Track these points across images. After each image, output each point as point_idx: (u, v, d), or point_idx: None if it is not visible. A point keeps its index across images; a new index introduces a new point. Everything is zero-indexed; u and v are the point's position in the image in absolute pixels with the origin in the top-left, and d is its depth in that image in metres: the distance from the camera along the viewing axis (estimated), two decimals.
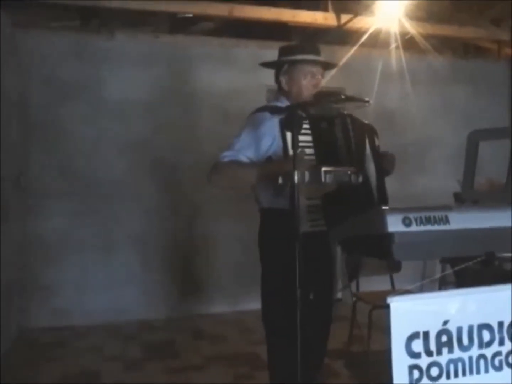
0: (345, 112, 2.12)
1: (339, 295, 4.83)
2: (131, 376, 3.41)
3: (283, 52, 2.18)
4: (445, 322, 1.37)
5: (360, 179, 1.82)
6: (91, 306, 4.57)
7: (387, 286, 3.63)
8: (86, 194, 4.62)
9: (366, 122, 2.20)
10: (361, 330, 3.54)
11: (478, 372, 1.40)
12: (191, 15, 4.42)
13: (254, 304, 2.24)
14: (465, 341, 1.39)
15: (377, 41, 4.53)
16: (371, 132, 2.17)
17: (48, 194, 4.54)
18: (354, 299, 3.56)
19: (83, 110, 4.63)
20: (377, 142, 2.18)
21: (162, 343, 4.11)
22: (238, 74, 4.88)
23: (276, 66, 2.19)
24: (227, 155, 2.01)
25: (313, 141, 1.95)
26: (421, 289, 1.87)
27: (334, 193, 1.85)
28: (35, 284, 4.49)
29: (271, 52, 2.33)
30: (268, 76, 2.35)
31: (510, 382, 1.43)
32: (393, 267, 3.33)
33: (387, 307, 1.33)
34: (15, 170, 4.31)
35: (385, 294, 1.36)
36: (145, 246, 4.76)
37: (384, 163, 2.13)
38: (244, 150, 2.00)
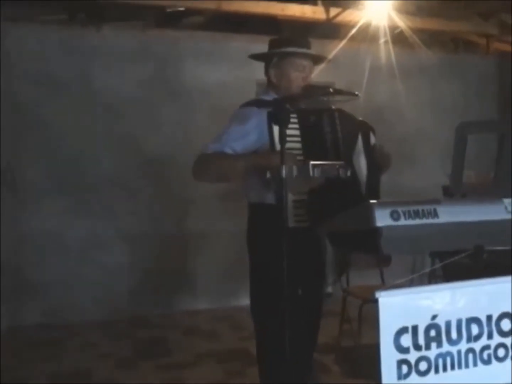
0: (334, 107, 2.11)
1: (330, 289, 4.83)
2: (122, 374, 3.40)
3: (273, 44, 2.16)
4: (434, 317, 1.36)
5: (349, 173, 1.80)
6: (82, 304, 4.54)
7: (378, 280, 3.64)
8: (76, 191, 4.58)
9: (360, 119, 2.18)
10: (351, 325, 3.55)
11: (466, 366, 1.39)
12: (181, 9, 4.38)
13: (245, 300, 2.23)
14: (454, 335, 1.38)
15: (367, 35, 4.51)
16: (365, 129, 2.14)
17: (38, 192, 4.49)
18: (343, 293, 3.56)
19: (72, 106, 4.57)
20: (372, 140, 2.15)
21: (153, 340, 4.09)
22: (228, 69, 4.84)
23: (265, 58, 2.16)
24: (211, 147, 1.97)
25: (301, 135, 1.93)
26: (411, 283, 1.87)
27: (320, 188, 1.83)
28: (26, 282, 4.45)
29: (261, 46, 2.30)
30: (258, 71, 2.33)
31: (498, 376, 1.43)
32: (383, 261, 3.34)
33: (376, 301, 1.32)
34: (3, 166, 4.26)
35: (375, 288, 1.35)
36: (136, 243, 4.73)
37: (379, 161, 2.11)
38: (230, 143, 1.96)
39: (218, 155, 1.95)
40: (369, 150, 2.09)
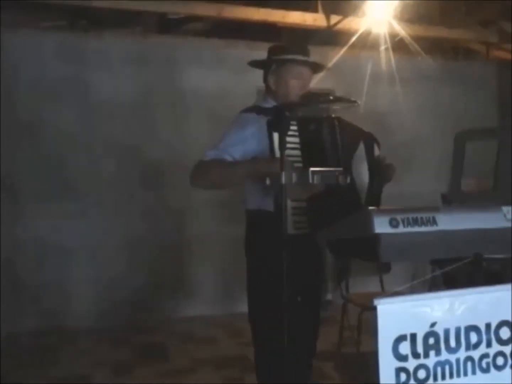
0: (333, 115, 2.11)
1: (329, 296, 4.82)
2: (120, 380, 3.38)
3: (272, 51, 2.16)
4: (433, 324, 1.36)
5: (348, 180, 1.80)
6: (80, 309, 4.53)
7: (378, 287, 3.62)
8: (74, 196, 4.58)
9: (366, 130, 2.18)
10: (351, 332, 3.54)
11: (465, 374, 1.39)
12: (181, 15, 4.41)
13: (244, 306, 2.23)
14: (453, 343, 1.38)
15: (367, 43, 4.53)
16: (370, 140, 2.14)
17: (37, 196, 4.49)
18: (343, 301, 3.55)
19: (71, 111, 4.58)
20: (376, 152, 2.15)
21: (151, 346, 4.07)
22: (228, 75, 4.86)
23: (264, 65, 2.17)
24: (210, 154, 1.97)
25: (300, 143, 1.93)
26: (411, 291, 1.87)
27: (319, 195, 1.83)
28: (25, 287, 4.44)
29: (260, 53, 2.31)
30: (258, 78, 2.33)
31: None
32: (382, 268, 3.33)
33: (374, 309, 1.31)
34: (2, 169, 4.26)
35: (374, 296, 1.35)
36: (135, 248, 4.72)
37: (383, 173, 2.11)
38: (229, 150, 1.95)
39: (217, 162, 1.95)
40: (373, 162, 2.09)
